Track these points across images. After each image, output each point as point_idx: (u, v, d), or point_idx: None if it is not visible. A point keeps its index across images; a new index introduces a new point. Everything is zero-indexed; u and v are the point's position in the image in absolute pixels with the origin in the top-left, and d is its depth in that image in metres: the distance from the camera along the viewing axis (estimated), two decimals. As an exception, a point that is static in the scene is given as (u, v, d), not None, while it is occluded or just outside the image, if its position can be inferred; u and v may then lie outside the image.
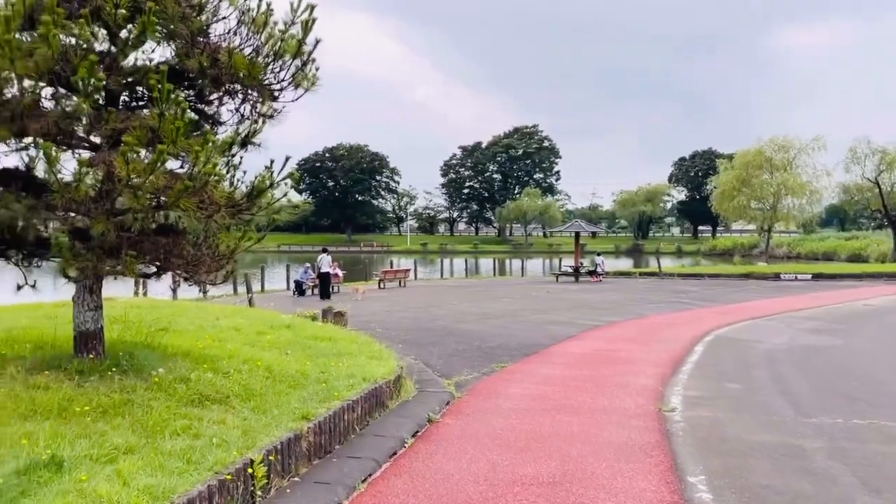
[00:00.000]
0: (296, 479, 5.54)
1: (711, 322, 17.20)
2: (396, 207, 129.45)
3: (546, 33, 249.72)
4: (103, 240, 6.14)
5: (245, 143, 7.76)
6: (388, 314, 19.33)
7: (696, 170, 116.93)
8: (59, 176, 5.66)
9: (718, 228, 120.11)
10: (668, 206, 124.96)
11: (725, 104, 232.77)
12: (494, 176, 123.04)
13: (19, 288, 7.53)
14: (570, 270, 37.28)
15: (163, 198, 6.27)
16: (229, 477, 4.67)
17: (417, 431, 7.07)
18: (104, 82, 6.19)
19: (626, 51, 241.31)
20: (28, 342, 7.60)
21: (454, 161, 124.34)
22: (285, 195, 7.73)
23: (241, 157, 7.61)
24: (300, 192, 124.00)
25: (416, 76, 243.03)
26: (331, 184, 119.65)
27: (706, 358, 11.73)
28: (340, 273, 29.71)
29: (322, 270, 25.89)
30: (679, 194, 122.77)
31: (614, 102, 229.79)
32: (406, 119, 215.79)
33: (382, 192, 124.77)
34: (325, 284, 25.80)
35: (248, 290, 18.43)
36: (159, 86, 5.66)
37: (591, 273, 36.31)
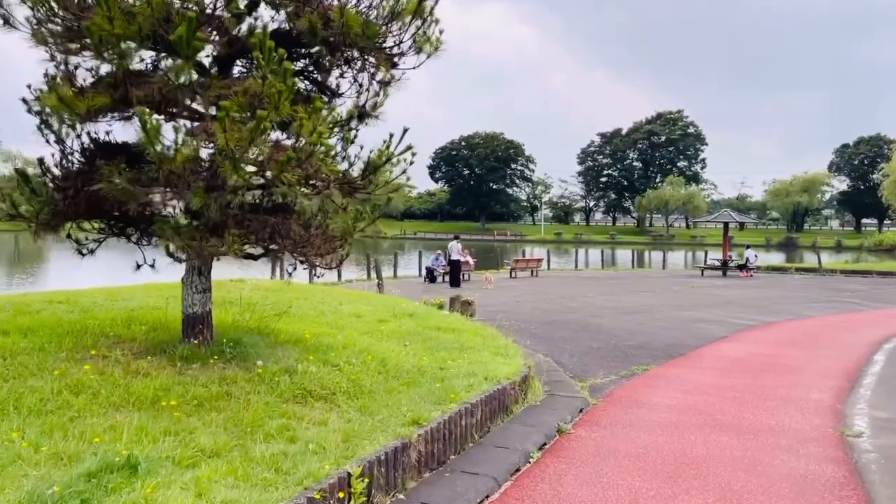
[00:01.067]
0: (401, 496, 4.78)
1: (888, 326, 14.94)
2: (531, 196, 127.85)
3: (691, 14, 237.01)
4: (207, 217, 5.69)
5: (362, 115, 7.13)
6: (518, 305, 18.44)
7: (861, 157, 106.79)
8: (160, 147, 5.21)
9: (885, 222, 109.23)
10: (827, 196, 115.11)
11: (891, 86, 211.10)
12: (634, 164, 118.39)
13: (138, 267, 7.35)
14: (717, 264, 34.68)
15: (268, 173, 5.73)
16: (318, 496, 3.97)
17: (545, 444, 6.14)
18: (207, 44, 5.72)
19: (780, 31, 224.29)
20: (145, 323, 7.38)
21: (592, 148, 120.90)
22: (404, 172, 7.02)
23: (357, 132, 7.01)
24: (436, 180, 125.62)
25: (552, 62, 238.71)
26: (466, 172, 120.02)
27: (891, 370, 9.93)
28: (471, 261, 29.13)
29: (452, 258, 25.40)
30: (840, 184, 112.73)
31: (766, 87, 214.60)
32: (542, 105, 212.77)
33: (517, 181, 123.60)
34: (455, 272, 25.29)
35: (378, 275, 18.14)
36: (261, 46, 5.06)
37: (741, 267, 33.53)
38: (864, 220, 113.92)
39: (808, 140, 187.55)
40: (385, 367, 6.81)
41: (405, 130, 6.62)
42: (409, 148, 6.63)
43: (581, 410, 7.28)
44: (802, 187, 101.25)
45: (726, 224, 35.92)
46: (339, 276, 27.51)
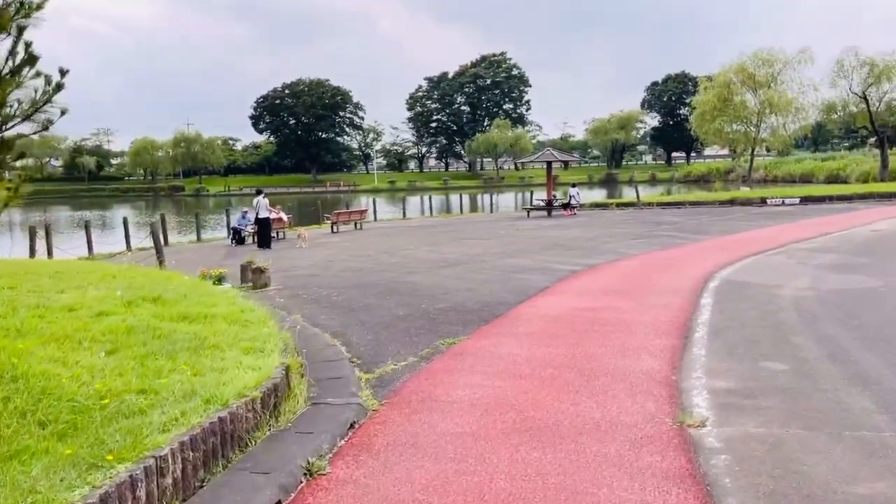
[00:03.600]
0: None
1: (709, 261, 14.40)
2: (362, 144, 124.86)
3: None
4: None
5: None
6: (329, 265, 16.31)
7: (669, 94, 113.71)
8: None
9: (692, 154, 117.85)
10: (641, 133, 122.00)
11: (701, 26, 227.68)
12: (462, 108, 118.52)
13: None
14: (542, 204, 34.34)
15: None
16: None
17: (278, 504, 4.09)
18: None
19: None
20: None
21: (420, 93, 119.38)
22: (49, 101, 4.56)
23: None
24: (261, 131, 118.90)
25: (379, 7, 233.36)
26: (292, 122, 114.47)
27: (721, 317, 8.88)
28: (285, 217, 26.51)
29: (260, 216, 22.63)
30: (652, 120, 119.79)
31: (585, 29, 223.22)
32: (371, 53, 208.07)
33: (347, 129, 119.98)
34: (264, 231, 22.61)
35: (155, 244, 15.17)
36: None
37: (565, 206, 33.41)
38: (674, 154, 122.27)
39: (628, 79, 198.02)
40: (38, 403, 4.42)
41: (20, 31, 4.15)
42: (32, 59, 4.18)
43: (352, 426, 5.30)
44: (619, 125, 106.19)
45: (549, 163, 35.58)
46: (128, 244, 23.91)
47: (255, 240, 23.44)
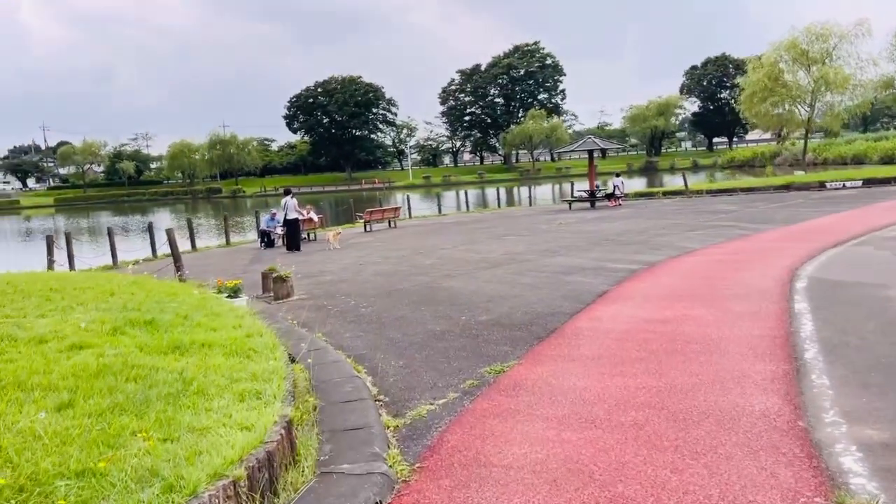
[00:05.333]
0: None
1: (785, 255, 12.69)
2: (396, 140, 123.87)
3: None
4: None
5: None
6: (359, 269, 14.99)
7: (709, 78, 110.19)
8: None
9: (734, 139, 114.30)
10: (680, 118, 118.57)
11: (741, 6, 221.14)
12: (496, 100, 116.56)
13: None
14: (584, 195, 32.61)
15: None
16: None
17: None
18: None
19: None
20: None
21: (453, 87, 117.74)
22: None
23: None
24: (295, 131, 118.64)
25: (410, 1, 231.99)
26: (326, 120, 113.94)
27: (830, 329, 7.24)
28: (315, 217, 25.34)
29: (289, 217, 21.43)
30: (692, 106, 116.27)
31: (620, 13, 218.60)
32: (402, 48, 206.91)
33: (380, 126, 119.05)
34: (293, 233, 21.39)
35: (173, 251, 14.00)
36: None
37: (609, 197, 31.63)
38: (716, 139, 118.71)
39: (666, 64, 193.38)
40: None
41: None
42: None
43: (374, 510, 3.89)
44: (658, 111, 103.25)
45: (591, 152, 33.81)
46: (154, 250, 22.93)
47: (285, 242, 22.30)
